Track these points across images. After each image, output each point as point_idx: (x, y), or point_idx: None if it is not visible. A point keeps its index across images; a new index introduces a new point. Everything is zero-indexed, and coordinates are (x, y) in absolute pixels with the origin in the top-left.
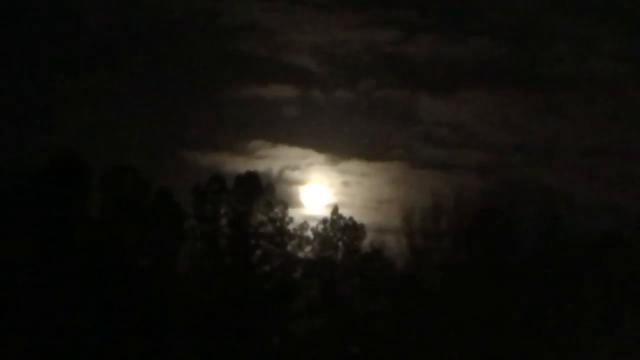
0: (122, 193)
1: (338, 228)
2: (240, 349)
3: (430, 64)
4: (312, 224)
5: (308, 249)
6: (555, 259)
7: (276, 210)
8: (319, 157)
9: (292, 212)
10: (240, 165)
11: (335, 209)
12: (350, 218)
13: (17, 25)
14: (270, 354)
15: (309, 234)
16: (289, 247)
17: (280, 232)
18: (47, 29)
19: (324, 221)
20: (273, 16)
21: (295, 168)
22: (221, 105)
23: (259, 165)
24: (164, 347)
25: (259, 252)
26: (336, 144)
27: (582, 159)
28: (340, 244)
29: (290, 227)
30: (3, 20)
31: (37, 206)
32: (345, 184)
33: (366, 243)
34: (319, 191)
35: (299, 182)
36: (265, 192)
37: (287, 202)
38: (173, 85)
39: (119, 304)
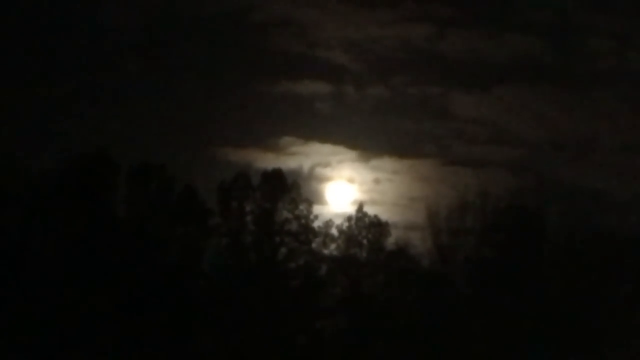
0: (148, 190)
1: (363, 226)
2: (266, 346)
3: (464, 60)
4: (340, 221)
5: (333, 246)
6: (582, 257)
7: (301, 207)
8: (351, 154)
9: (320, 209)
10: (271, 162)
11: (360, 207)
12: (375, 216)
13: (45, 21)
14: (295, 351)
15: (334, 231)
16: (314, 245)
17: (305, 230)
18: (79, 23)
19: (349, 219)
20: (307, 12)
21: (326, 165)
22: (253, 102)
23: (290, 162)
24: (189, 344)
25: (284, 249)
26: (368, 141)
27: (617, 156)
28: (365, 241)
29: (316, 224)
30: (35, 19)
31: (65, 203)
32: (377, 181)
33: (391, 240)
34: (348, 189)
35: (329, 179)
36: (290, 190)
37: (312, 200)
38: (206, 81)
39: (144, 301)
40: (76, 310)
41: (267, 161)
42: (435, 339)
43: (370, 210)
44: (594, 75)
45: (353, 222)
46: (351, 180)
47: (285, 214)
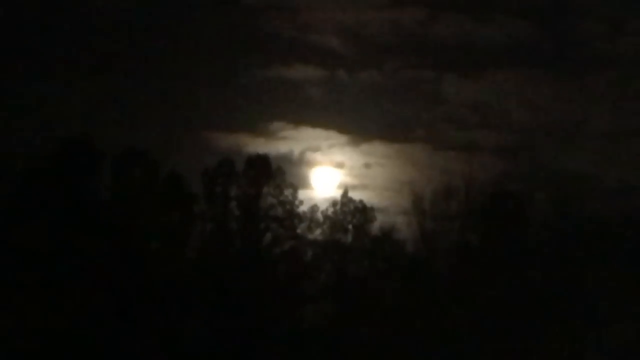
0: (132, 176)
1: (348, 211)
2: (251, 332)
3: (456, 44)
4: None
5: (318, 231)
6: (567, 242)
7: (286, 193)
8: (341, 139)
9: (308, 194)
10: (261, 146)
11: (345, 192)
12: (360, 201)
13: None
14: (281, 337)
15: (320, 216)
16: (299, 230)
17: (290, 215)
18: (60, 7)
19: (334, 204)
20: None
21: (317, 150)
22: (244, 86)
23: (280, 147)
24: (173, 330)
25: (269, 235)
26: (359, 125)
27: (608, 140)
28: (350, 227)
29: (302, 209)
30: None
31: (48, 189)
32: (367, 165)
33: (377, 226)
34: (336, 173)
35: (319, 164)
36: (275, 175)
37: (299, 185)
38: (196, 65)
39: (128, 287)
40: (61, 297)
41: (258, 146)
42: (419, 324)
43: (360, 195)
44: (587, 59)
45: (338, 207)
46: (341, 165)
47: (270, 200)
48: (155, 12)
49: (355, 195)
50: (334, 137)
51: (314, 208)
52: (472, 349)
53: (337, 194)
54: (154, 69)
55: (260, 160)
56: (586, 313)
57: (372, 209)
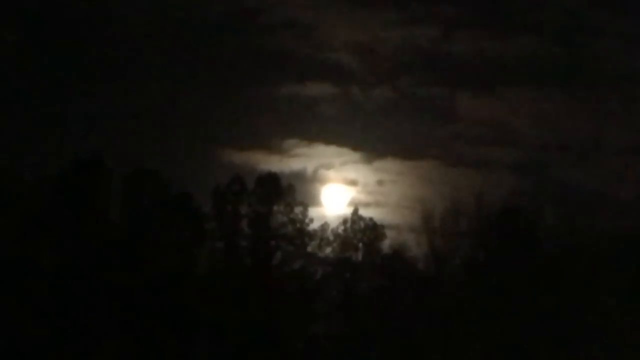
0: (142, 195)
1: (358, 229)
2: (262, 350)
3: (470, 61)
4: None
5: (328, 250)
6: (579, 259)
7: (296, 210)
8: (354, 156)
9: (321, 212)
10: (274, 163)
11: (355, 210)
12: (370, 219)
13: (40, 23)
14: (291, 356)
15: (330, 234)
16: (309, 249)
17: (301, 233)
18: (75, 24)
19: (345, 222)
20: (312, 13)
21: (330, 167)
22: (259, 103)
23: (294, 164)
24: (185, 349)
25: (279, 253)
26: (373, 143)
27: (621, 157)
28: (360, 244)
29: (313, 227)
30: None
31: (59, 208)
32: (380, 182)
33: (388, 243)
34: (348, 190)
35: (332, 181)
36: (285, 193)
37: (309, 203)
38: (211, 83)
39: (140, 305)
40: (72, 316)
41: (271, 163)
42: (430, 342)
43: (373, 212)
44: (600, 76)
45: (348, 225)
46: (354, 182)
47: (281, 218)
48: (170, 29)
49: (368, 212)
50: (347, 154)
51: (324, 226)
52: None
53: (349, 211)
54: (168, 86)
55: (270, 178)
56: (596, 330)
57: (382, 226)
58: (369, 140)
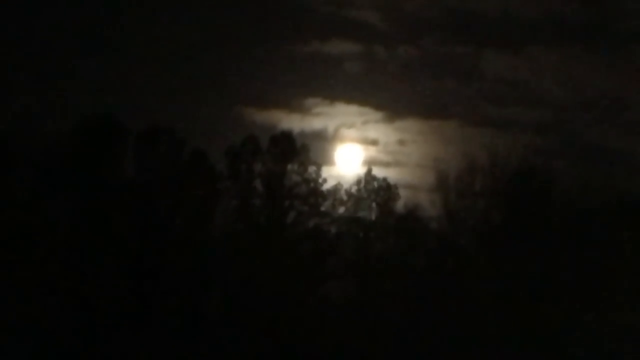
0: (157, 153)
1: (372, 189)
2: (274, 309)
3: (496, 19)
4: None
5: (342, 209)
6: (595, 219)
7: (310, 170)
8: (376, 115)
9: (338, 171)
10: (296, 122)
11: (369, 170)
12: (384, 179)
13: None
14: (304, 314)
15: (344, 194)
16: (323, 208)
17: (314, 193)
18: None
19: (358, 182)
20: None
21: (351, 126)
22: (281, 62)
23: (315, 123)
24: (197, 308)
25: (293, 212)
26: (395, 102)
27: None
28: (374, 204)
29: (327, 187)
30: None
31: (73, 166)
32: (401, 142)
33: (402, 203)
34: (372, 150)
35: (353, 140)
36: (300, 152)
37: (321, 163)
38: (233, 40)
39: (153, 265)
40: (85, 274)
41: (292, 122)
42: (443, 302)
43: (393, 172)
44: (627, 35)
45: (362, 185)
46: (375, 142)
47: (295, 177)
48: None
49: (388, 172)
50: (369, 113)
51: (337, 186)
52: (496, 325)
53: (362, 170)
54: (189, 45)
55: (284, 137)
56: (611, 289)
57: (395, 186)
58: (391, 99)
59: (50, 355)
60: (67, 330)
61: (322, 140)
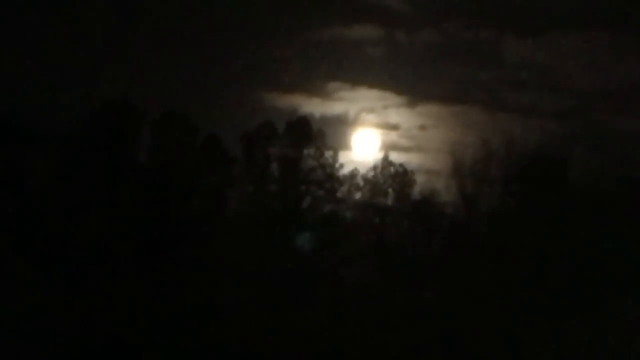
0: (172, 138)
1: (388, 174)
2: (289, 295)
3: (518, 4)
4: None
5: (358, 195)
6: (610, 206)
7: (327, 155)
8: (397, 100)
9: (355, 156)
10: (316, 107)
11: (385, 156)
12: (401, 164)
13: None
14: (319, 300)
15: (360, 180)
16: (339, 194)
17: (330, 178)
18: None
19: (374, 167)
20: None
21: (372, 111)
22: (302, 46)
23: (336, 108)
24: (211, 292)
25: (308, 198)
26: (416, 87)
27: None
28: (390, 190)
29: (343, 172)
30: None
31: (86, 151)
32: (422, 127)
33: (418, 189)
34: (392, 135)
35: (374, 125)
36: (316, 137)
37: (338, 147)
38: (254, 24)
39: (167, 249)
40: (99, 258)
41: (313, 106)
42: (458, 287)
43: (413, 157)
44: None
45: (378, 170)
46: (395, 127)
47: (311, 162)
48: None
49: (408, 157)
50: (390, 98)
51: (354, 171)
52: (512, 310)
53: (379, 156)
54: (209, 30)
55: (300, 122)
56: (628, 280)
57: (412, 172)
58: (412, 84)
59: (62, 336)
60: (77, 315)
61: (343, 125)
